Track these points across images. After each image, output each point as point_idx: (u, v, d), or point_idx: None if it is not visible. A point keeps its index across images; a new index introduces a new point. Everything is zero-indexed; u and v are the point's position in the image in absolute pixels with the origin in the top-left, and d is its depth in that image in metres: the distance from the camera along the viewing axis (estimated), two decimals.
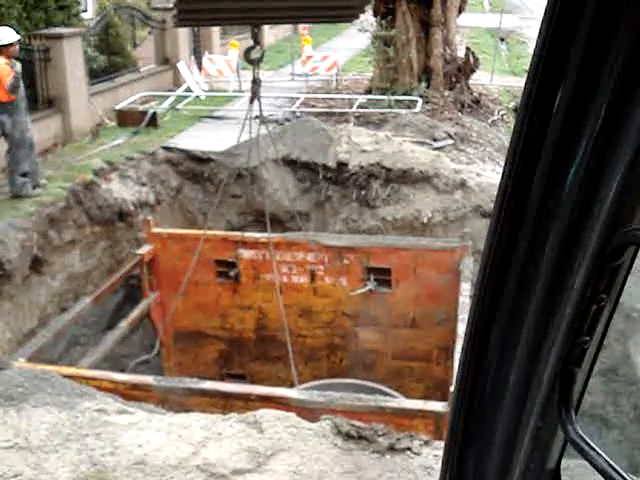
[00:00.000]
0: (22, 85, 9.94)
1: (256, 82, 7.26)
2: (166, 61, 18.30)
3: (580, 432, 0.96)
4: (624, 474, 0.90)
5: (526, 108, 0.92)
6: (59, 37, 13.25)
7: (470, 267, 9.21)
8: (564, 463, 1.09)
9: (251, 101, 7.39)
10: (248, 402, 6.25)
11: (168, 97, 16.21)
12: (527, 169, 0.94)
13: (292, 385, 8.06)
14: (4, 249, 8.73)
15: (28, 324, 9.18)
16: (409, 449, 4.31)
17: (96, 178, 10.81)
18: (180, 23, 6.20)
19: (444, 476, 1.13)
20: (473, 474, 1.12)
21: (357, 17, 6.68)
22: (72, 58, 13.50)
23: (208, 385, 6.54)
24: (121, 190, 11.07)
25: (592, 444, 0.94)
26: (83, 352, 9.25)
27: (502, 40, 25.29)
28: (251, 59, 6.89)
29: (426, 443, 4.41)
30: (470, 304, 1.04)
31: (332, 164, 11.35)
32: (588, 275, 0.94)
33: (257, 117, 7.50)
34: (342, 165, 11.30)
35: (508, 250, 0.98)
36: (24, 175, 10.10)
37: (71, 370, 6.81)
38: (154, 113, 14.08)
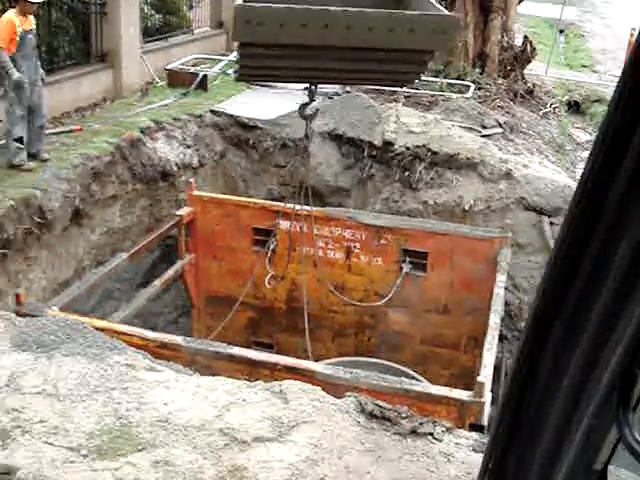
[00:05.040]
0: (31, 44, 9.39)
1: (307, 137, 7.38)
2: (221, 25, 18.23)
3: (637, 435, 0.94)
4: None
5: (615, 108, 0.88)
6: None
7: (508, 259, 9.11)
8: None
9: (302, 154, 7.54)
10: (274, 371, 6.27)
11: (220, 61, 16.17)
12: (609, 168, 0.90)
13: (308, 358, 8.08)
14: (47, 198, 8.84)
15: (64, 274, 9.30)
16: (431, 434, 4.29)
17: (142, 136, 10.86)
18: (241, 77, 6.29)
19: (487, 463, 1.11)
20: (516, 464, 1.09)
21: (412, 82, 6.73)
22: (128, 14, 13.52)
23: (236, 351, 6.57)
24: (166, 150, 11.12)
25: None
26: (115, 307, 9.36)
27: (561, 32, 24.81)
28: (305, 115, 6.95)
29: (448, 430, 4.38)
30: (535, 294, 1.00)
31: (378, 142, 11.27)
32: None
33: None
34: (388, 144, 11.21)
35: (580, 246, 0.94)
36: (20, 141, 9.34)
37: (103, 323, 6.88)
38: (205, 76, 14.06)
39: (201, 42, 17.23)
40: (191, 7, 18.29)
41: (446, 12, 5.59)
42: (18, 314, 6.22)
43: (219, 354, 6.47)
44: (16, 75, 9.04)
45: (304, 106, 6.91)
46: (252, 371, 6.26)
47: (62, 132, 10.79)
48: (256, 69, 6.02)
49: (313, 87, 6.74)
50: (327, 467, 3.89)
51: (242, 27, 5.05)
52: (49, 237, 8.91)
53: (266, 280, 10.05)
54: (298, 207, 9.54)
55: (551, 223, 10.28)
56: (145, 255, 9.97)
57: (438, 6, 5.61)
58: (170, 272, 9.90)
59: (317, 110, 7.20)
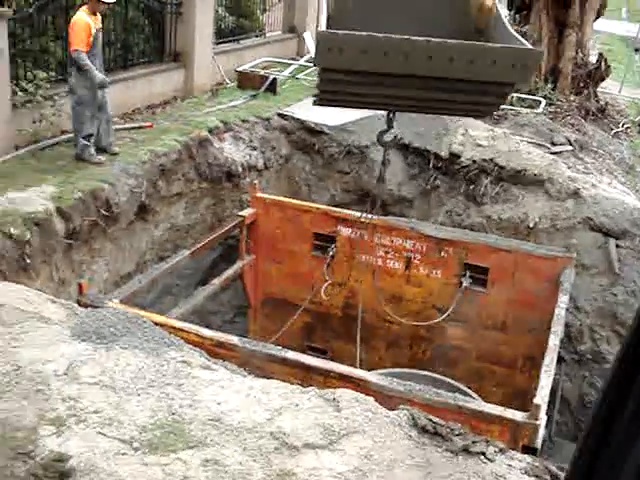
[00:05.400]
0: (100, 42, 9.53)
1: (384, 164, 7.41)
2: (292, 30, 18.37)
3: None
4: None
5: None
6: None
7: (571, 279, 8.92)
8: None
9: (377, 180, 7.60)
10: (327, 378, 6.25)
11: (290, 65, 16.27)
12: None
13: (367, 368, 8.03)
14: (114, 192, 8.99)
15: (126, 267, 9.45)
16: (483, 454, 4.20)
17: (210, 136, 10.98)
18: (320, 102, 6.39)
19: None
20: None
21: (490, 114, 6.65)
22: (203, 15, 13.69)
23: (291, 355, 6.57)
24: (232, 151, 11.21)
25: None
26: (174, 302, 9.47)
27: (637, 50, 24.28)
28: (383, 142, 6.98)
29: (501, 451, 4.29)
30: (630, 326, 0.96)
31: (444, 154, 11.17)
32: None
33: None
34: (454, 156, 11.11)
35: None
36: (88, 137, 9.46)
37: (162, 318, 6.95)
38: (274, 79, 14.15)
39: (272, 45, 17.38)
40: (264, 10, 18.46)
41: (528, 45, 5.53)
42: (80, 304, 6.34)
43: (274, 357, 6.48)
44: (100, 77, 9.20)
45: (383, 133, 6.93)
46: (305, 376, 6.25)
47: (132, 128, 10.98)
48: (335, 94, 6.07)
49: (392, 115, 6.77)
50: (376, 479, 3.85)
51: (324, 52, 5.14)
52: (114, 230, 9.07)
53: (322, 290, 10.05)
54: (359, 214, 9.54)
55: (618, 245, 10.03)
56: (206, 253, 10.07)
57: (520, 39, 5.57)
58: (229, 272, 9.98)
59: (395, 137, 7.19)
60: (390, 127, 6.80)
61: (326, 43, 5.10)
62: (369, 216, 8.34)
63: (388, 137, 6.93)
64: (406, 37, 5.10)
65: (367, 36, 5.07)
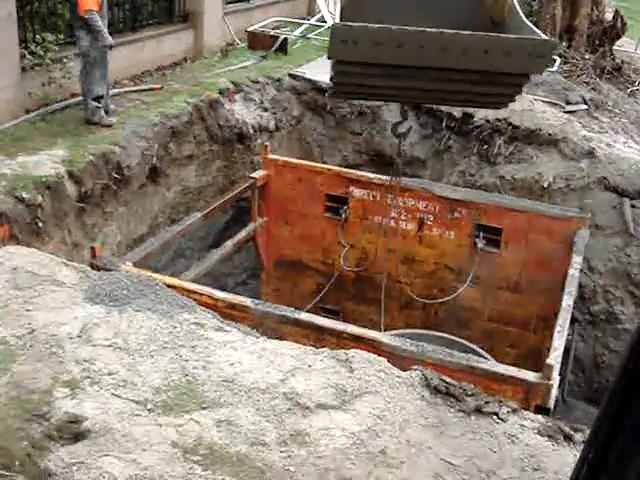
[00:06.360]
0: (104, 5, 9.25)
1: (400, 155, 7.45)
2: None
3: None
4: None
5: None
6: None
7: (585, 240, 8.87)
8: None
9: (392, 174, 7.61)
10: (340, 339, 6.26)
11: (301, 25, 16.09)
12: None
13: (379, 329, 8.06)
14: (125, 155, 8.96)
15: (139, 230, 9.46)
16: (496, 414, 4.22)
17: (221, 97, 10.90)
18: (334, 95, 6.35)
19: (587, 454, 1.05)
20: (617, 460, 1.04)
21: (506, 105, 6.65)
22: None
23: (303, 316, 6.58)
24: (243, 112, 11.13)
25: None
26: (187, 265, 9.50)
27: None
28: (397, 133, 6.91)
29: (514, 411, 4.31)
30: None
31: (457, 113, 11.05)
32: None
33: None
34: (467, 116, 10.98)
35: None
36: (98, 99, 9.36)
37: (175, 281, 6.98)
38: (285, 39, 13.99)
39: (282, 5, 17.16)
40: None
41: (543, 36, 5.46)
42: (93, 267, 6.36)
43: (286, 318, 6.50)
44: (109, 40, 9.10)
45: (397, 124, 6.88)
46: (318, 337, 6.27)
47: (142, 90, 10.91)
48: (350, 87, 6.04)
49: (405, 107, 6.71)
50: (388, 439, 3.87)
51: (338, 45, 5.10)
52: (126, 193, 9.05)
53: (342, 258, 10.08)
54: (372, 175, 9.48)
55: (633, 206, 9.94)
56: (218, 216, 10.07)
57: (536, 29, 5.50)
58: (242, 234, 9.98)
59: (410, 128, 7.15)
60: (405, 119, 6.77)
61: (340, 35, 5.06)
62: (395, 179, 8.31)
63: (403, 128, 6.92)
64: (420, 29, 5.04)
65: (381, 28, 5.02)
